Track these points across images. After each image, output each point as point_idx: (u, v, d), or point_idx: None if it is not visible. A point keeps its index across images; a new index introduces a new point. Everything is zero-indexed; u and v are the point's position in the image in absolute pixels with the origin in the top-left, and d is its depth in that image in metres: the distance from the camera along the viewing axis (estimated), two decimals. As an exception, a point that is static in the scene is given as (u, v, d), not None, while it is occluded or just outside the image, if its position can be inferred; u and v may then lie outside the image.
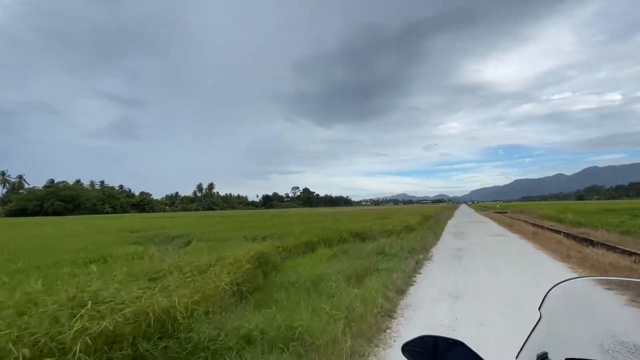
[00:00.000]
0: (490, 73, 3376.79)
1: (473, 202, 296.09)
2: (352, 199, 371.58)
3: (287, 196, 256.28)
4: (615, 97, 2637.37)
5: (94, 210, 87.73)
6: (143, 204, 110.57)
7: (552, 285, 0.98)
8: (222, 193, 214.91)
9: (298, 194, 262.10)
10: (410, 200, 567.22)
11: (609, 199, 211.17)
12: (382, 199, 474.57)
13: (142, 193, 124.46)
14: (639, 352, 1.01)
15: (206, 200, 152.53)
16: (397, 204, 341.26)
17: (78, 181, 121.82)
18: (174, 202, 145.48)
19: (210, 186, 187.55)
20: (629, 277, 1.06)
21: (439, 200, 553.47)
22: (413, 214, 27.17)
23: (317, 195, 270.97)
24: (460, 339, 0.91)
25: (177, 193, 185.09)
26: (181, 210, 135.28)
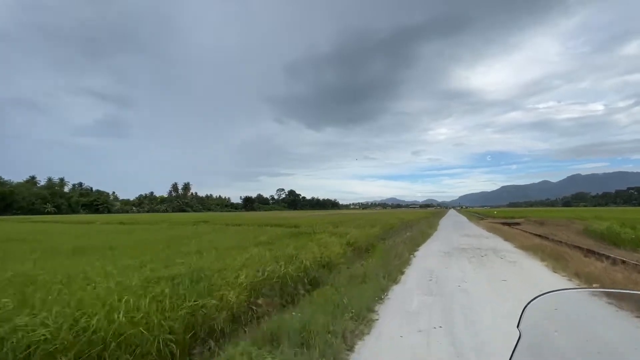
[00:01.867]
0: (478, 80, 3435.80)
1: (461, 207, 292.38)
2: (341, 202, 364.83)
3: (272, 198, 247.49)
4: (598, 107, 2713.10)
5: (30, 210, 76.02)
6: (97, 203, 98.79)
7: (528, 301, 0.96)
8: (208, 194, 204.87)
9: (283, 196, 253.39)
10: (399, 204, 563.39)
11: (594, 205, 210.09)
12: (372, 203, 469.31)
13: (97, 192, 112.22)
14: None
15: (178, 201, 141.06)
16: (385, 208, 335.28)
17: (32, 177, 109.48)
18: (141, 203, 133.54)
19: (186, 186, 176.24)
20: (606, 288, 1.10)
21: (427, 204, 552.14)
22: (378, 221, 18.33)
23: (304, 197, 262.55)
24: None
25: (151, 193, 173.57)
26: (148, 211, 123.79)
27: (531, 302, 0.96)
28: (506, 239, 14.71)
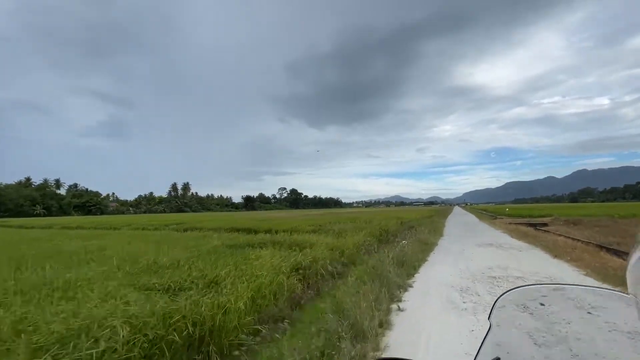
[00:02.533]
0: (482, 77, 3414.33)
1: (466, 204, 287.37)
2: (344, 201, 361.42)
3: (274, 197, 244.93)
4: (604, 101, 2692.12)
5: (19, 212, 73.27)
6: (89, 205, 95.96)
7: (500, 294, 1.02)
8: (209, 194, 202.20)
9: (285, 195, 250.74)
10: (403, 202, 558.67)
11: (603, 201, 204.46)
12: (375, 201, 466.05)
13: (89, 192, 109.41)
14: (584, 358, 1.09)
15: (176, 201, 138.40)
16: (389, 206, 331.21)
17: (28, 179, 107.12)
18: (138, 203, 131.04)
19: (186, 186, 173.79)
20: (579, 284, 1.12)
21: (431, 202, 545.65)
22: (371, 223, 14.80)
23: (306, 196, 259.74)
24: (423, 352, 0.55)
25: (151, 193, 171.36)
26: (145, 212, 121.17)
27: (502, 296, 1.00)
28: (553, 253, 9.36)
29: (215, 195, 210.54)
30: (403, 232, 14.47)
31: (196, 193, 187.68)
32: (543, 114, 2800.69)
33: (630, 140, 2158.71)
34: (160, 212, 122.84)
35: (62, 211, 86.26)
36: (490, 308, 1.01)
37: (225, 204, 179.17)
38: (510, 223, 20.72)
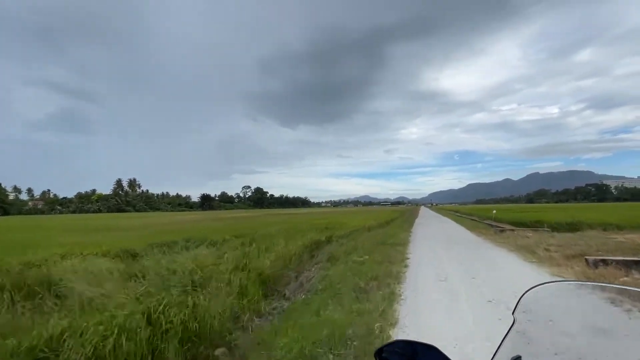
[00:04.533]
0: (447, 82, 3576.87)
1: (432, 204, 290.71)
2: (314, 200, 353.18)
3: (238, 196, 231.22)
4: (554, 110, 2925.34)
5: None
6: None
7: (526, 290, 0.99)
8: (166, 192, 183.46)
9: (249, 194, 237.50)
10: (371, 202, 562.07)
11: (556, 202, 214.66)
12: (345, 201, 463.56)
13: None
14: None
15: (116, 199, 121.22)
16: (357, 206, 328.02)
17: None
18: (69, 202, 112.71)
19: (132, 183, 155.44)
20: (604, 282, 1.12)
21: (398, 202, 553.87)
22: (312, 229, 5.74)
23: (271, 195, 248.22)
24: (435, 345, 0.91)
25: (93, 190, 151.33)
26: (73, 211, 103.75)
27: (528, 291, 0.98)
28: None
29: (172, 194, 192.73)
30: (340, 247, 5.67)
31: (147, 190, 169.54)
32: (502, 120, 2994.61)
33: (575, 146, 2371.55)
34: (94, 211, 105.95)
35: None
36: (516, 303, 0.97)
37: (178, 203, 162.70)
38: (514, 235, 12.08)
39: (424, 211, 68.55)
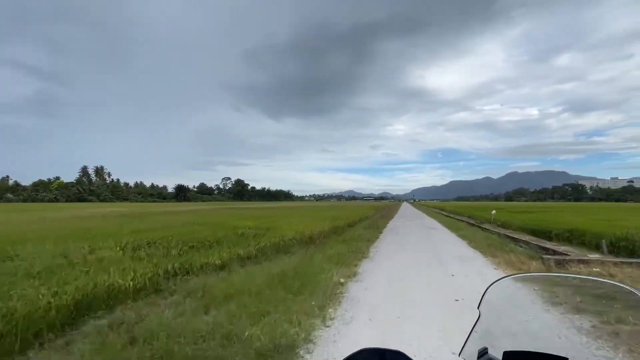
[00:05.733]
0: (433, 80, 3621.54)
1: (414, 200, 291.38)
2: (298, 194, 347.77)
3: (218, 188, 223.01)
4: (534, 112, 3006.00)
5: None
6: None
7: (489, 284, 1.02)
8: (140, 182, 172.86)
9: (229, 185, 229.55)
10: (355, 197, 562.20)
11: (534, 200, 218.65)
12: (328, 195, 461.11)
13: None
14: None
15: (77, 188, 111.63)
16: (340, 200, 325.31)
17: None
18: (14, 190, 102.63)
19: (100, 171, 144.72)
20: (560, 273, 1.18)
21: (382, 197, 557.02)
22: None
23: (253, 188, 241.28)
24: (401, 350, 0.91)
25: (57, 178, 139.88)
26: (25, 200, 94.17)
27: (493, 284, 1.01)
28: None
29: (149, 184, 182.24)
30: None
31: (117, 180, 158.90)
32: (484, 120, 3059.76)
33: (552, 147, 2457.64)
34: (50, 200, 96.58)
35: None
36: (480, 297, 1.00)
37: (150, 194, 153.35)
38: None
39: (405, 207, 63.30)
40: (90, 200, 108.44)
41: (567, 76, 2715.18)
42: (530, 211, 28.90)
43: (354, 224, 17.24)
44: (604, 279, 0.98)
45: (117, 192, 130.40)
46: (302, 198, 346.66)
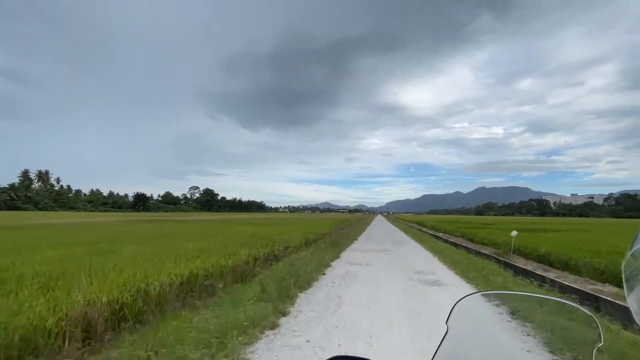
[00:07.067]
0: (407, 97, 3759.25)
1: (389, 213, 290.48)
2: (272, 205, 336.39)
3: (185, 197, 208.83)
4: (499, 131, 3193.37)
5: None
6: None
7: (457, 300, 1.03)
8: (97, 189, 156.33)
9: (197, 195, 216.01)
10: (330, 209, 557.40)
11: (503, 214, 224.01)
12: (302, 207, 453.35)
13: None
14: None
15: (9, 194, 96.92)
16: (314, 212, 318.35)
17: None
18: None
19: (43, 176, 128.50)
20: (524, 292, 1.19)
21: (357, 210, 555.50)
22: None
23: (223, 198, 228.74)
24: (371, 357, 0.92)
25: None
26: None
27: (460, 300, 1.02)
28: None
29: (105, 193, 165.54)
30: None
31: (68, 186, 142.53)
32: (454, 137, 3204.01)
33: (516, 165, 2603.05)
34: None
35: None
36: (449, 313, 1.00)
37: (103, 202, 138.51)
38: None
39: (379, 221, 57.25)
40: (25, 209, 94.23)
41: (528, 99, 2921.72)
42: (544, 230, 23.22)
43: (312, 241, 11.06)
44: (560, 299, 1.01)
45: (62, 200, 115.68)
46: (276, 209, 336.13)
